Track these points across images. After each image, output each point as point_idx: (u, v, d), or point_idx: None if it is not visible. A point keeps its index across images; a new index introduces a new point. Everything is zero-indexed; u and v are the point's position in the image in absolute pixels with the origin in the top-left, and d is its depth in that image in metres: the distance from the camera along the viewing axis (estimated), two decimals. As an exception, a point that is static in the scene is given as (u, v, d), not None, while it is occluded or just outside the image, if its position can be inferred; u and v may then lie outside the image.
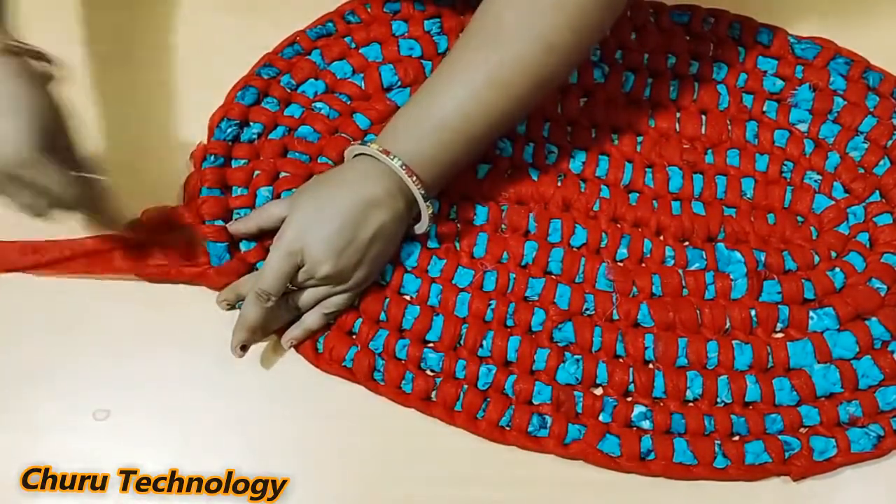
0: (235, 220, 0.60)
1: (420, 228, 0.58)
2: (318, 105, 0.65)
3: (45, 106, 0.49)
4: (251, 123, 0.64)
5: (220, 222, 0.60)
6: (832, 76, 0.66)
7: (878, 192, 0.63)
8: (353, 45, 0.67)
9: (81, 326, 0.59)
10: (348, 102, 0.65)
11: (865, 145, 0.64)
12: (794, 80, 0.67)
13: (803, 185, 0.63)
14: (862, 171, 0.63)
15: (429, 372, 0.57)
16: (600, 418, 0.56)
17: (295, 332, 0.57)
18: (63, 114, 0.50)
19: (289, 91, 0.65)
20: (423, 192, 0.55)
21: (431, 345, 0.58)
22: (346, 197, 0.54)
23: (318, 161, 0.63)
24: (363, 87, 0.65)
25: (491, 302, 0.59)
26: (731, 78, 0.67)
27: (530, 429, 0.55)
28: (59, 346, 0.58)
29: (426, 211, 0.56)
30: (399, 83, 0.66)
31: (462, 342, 0.58)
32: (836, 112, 0.65)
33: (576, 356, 0.57)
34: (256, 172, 0.62)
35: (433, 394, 0.56)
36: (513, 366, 0.57)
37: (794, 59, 0.68)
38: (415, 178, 0.55)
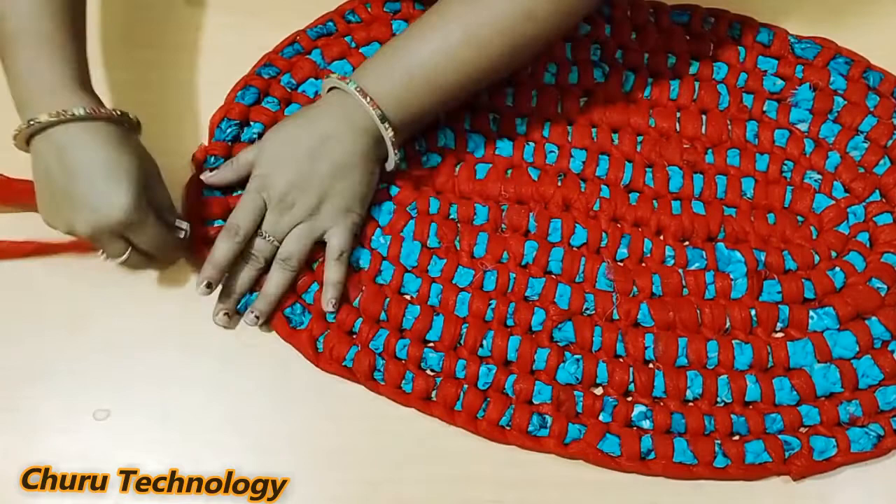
0: (211, 172, 0.60)
1: (389, 165, 0.59)
2: (319, 105, 0.65)
3: (141, 166, 0.54)
4: (252, 123, 0.64)
5: (220, 223, 0.60)
6: (832, 76, 0.66)
7: (878, 191, 0.63)
8: (354, 45, 0.67)
9: (81, 326, 0.59)
10: (348, 102, 0.65)
11: (866, 145, 0.64)
12: (794, 80, 0.67)
13: (803, 185, 0.63)
14: (862, 170, 0.63)
15: (429, 372, 0.57)
16: (600, 418, 0.56)
17: (259, 303, 0.57)
18: (154, 170, 0.57)
19: (289, 91, 0.65)
20: (386, 125, 0.57)
21: (431, 344, 0.58)
22: (304, 132, 0.57)
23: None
24: (363, 86, 0.66)
25: (491, 302, 0.59)
26: (731, 78, 0.67)
27: (530, 428, 0.55)
28: (59, 346, 0.58)
29: (389, 137, 0.57)
30: (399, 83, 0.66)
31: (462, 342, 0.58)
32: (836, 112, 0.65)
33: (576, 356, 0.57)
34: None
35: (433, 393, 0.56)
36: (513, 365, 0.57)
37: (794, 59, 0.68)
38: (377, 110, 0.56)
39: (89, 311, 0.59)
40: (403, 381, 0.56)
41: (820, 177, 0.63)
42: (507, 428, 0.56)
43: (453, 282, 0.59)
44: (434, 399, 0.56)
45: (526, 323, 0.58)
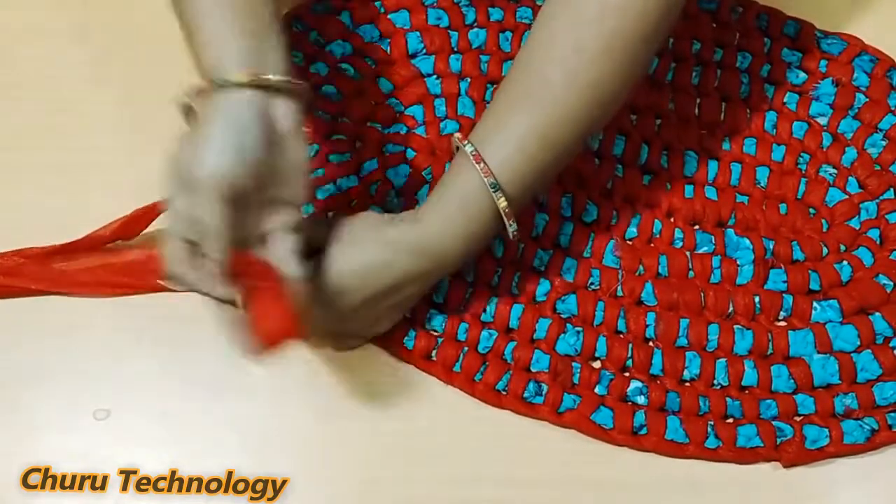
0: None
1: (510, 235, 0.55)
2: (343, 66, 0.66)
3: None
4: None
5: None
6: (856, 72, 0.66)
7: (892, 189, 0.62)
8: (383, 10, 0.68)
9: (81, 326, 0.58)
10: (373, 66, 0.66)
11: (884, 143, 0.64)
12: (817, 74, 0.66)
13: (818, 178, 0.63)
14: (878, 168, 0.63)
15: (432, 332, 0.58)
16: (596, 390, 0.56)
17: None
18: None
19: (317, 48, 0.66)
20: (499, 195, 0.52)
21: (437, 306, 0.59)
22: (378, 280, 0.52)
23: (339, 121, 0.64)
24: (389, 52, 0.66)
25: (497, 269, 0.59)
26: (754, 67, 0.67)
27: (525, 394, 0.56)
28: (59, 345, 0.58)
29: (503, 208, 0.52)
30: (424, 51, 0.66)
31: (466, 306, 0.58)
32: (856, 108, 0.65)
33: (577, 328, 0.58)
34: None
35: (433, 353, 0.57)
36: (514, 333, 0.58)
37: (819, 54, 0.67)
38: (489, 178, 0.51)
39: (89, 311, 0.59)
40: (406, 338, 0.57)
41: (835, 171, 0.63)
42: (503, 393, 0.56)
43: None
44: (434, 359, 0.57)
45: (530, 293, 0.59)
